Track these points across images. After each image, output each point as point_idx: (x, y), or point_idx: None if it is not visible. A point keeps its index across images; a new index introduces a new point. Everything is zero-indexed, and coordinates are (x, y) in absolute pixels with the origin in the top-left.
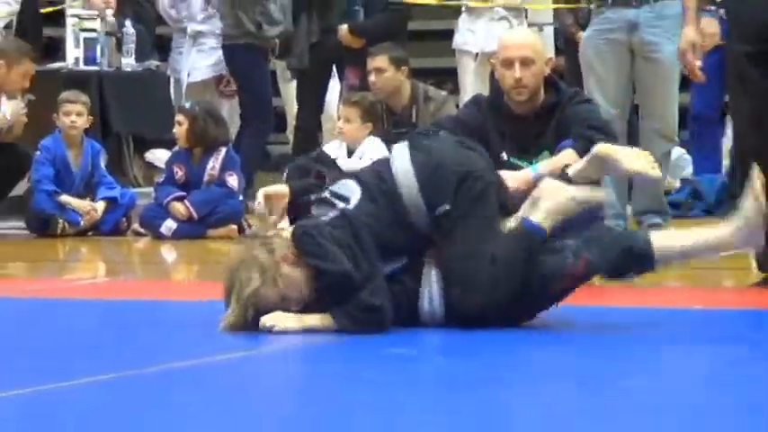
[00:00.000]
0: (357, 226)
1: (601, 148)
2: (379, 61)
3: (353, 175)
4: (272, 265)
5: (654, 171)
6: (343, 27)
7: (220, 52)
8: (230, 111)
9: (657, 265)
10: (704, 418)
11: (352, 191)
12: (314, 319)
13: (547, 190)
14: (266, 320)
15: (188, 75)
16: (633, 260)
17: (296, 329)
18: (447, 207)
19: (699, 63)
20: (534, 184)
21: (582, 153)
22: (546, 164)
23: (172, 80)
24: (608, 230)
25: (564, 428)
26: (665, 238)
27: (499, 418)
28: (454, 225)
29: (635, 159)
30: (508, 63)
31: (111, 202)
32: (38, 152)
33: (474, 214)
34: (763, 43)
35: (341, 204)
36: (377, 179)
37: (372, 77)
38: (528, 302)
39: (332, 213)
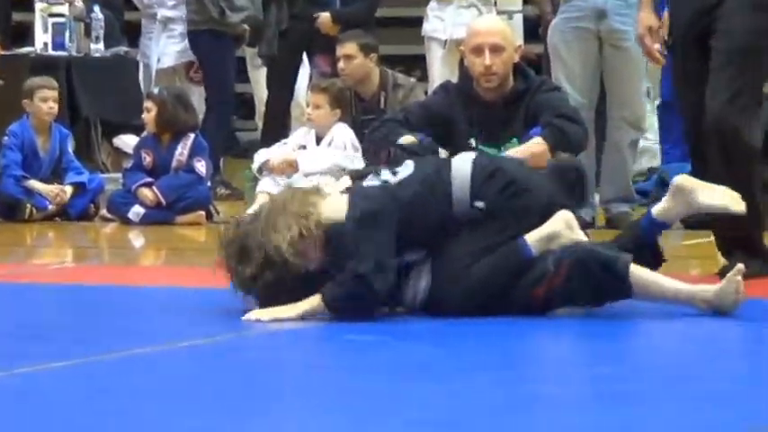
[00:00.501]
0: (388, 201)
1: (680, 180)
2: (348, 48)
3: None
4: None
5: (738, 206)
6: (325, 15)
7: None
8: (200, 98)
9: (632, 290)
10: (667, 407)
11: (406, 166)
12: (305, 304)
13: (562, 218)
14: (260, 315)
15: (158, 61)
16: (610, 277)
17: (291, 317)
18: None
19: (657, 46)
20: None
21: (550, 141)
22: (515, 151)
23: (141, 66)
24: (591, 247)
25: (529, 415)
26: (645, 272)
27: (462, 405)
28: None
29: (717, 194)
30: (478, 50)
31: (79, 187)
32: (5, 137)
33: (503, 224)
34: (692, 29)
35: (387, 176)
36: (434, 166)
37: (341, 64)
38: (504, 305)
39: (373, 182)
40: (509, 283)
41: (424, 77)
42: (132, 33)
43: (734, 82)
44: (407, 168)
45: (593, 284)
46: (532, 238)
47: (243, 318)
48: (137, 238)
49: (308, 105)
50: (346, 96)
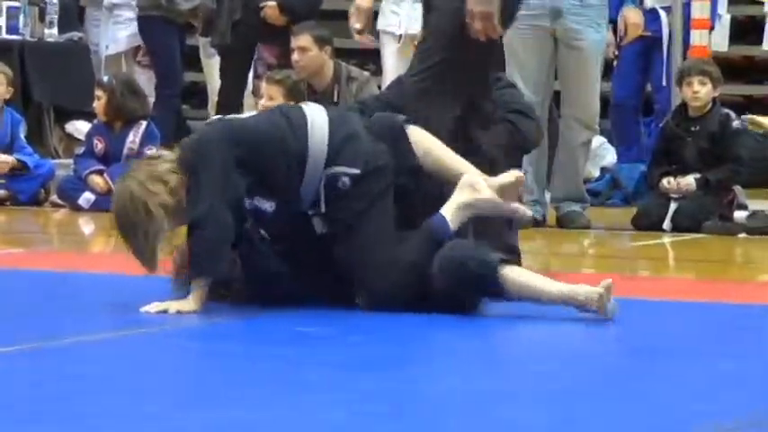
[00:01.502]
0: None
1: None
2: (302, 40)
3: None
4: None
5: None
6: (271, 3)
7: (136, 23)
8: (147, 82)
9: (504, 291)
10: (607, 405)
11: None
12: (196, 288)
13: (466, 183)
14: (160, 307)
15: (106, 47)
16: (481, 278)
17: (185, 313)
18: (346, 180)
19: None
20: None
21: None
22: None
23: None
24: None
25: (470, 409)
26: (519, 273)
27: (406, 398)
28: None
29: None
30: None
31: (23, 166)
32: None
33: (371, 213)
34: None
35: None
36: (286, 115)
37: (296, 56)
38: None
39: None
40: (426, 270)
41: (377, 72)
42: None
43: None
44: (251, 114)
45: (464, 284)
46: (448, 212)
47: (141, 309)
48: (87, 225)
49: (260, 96)
50: (300, 89)
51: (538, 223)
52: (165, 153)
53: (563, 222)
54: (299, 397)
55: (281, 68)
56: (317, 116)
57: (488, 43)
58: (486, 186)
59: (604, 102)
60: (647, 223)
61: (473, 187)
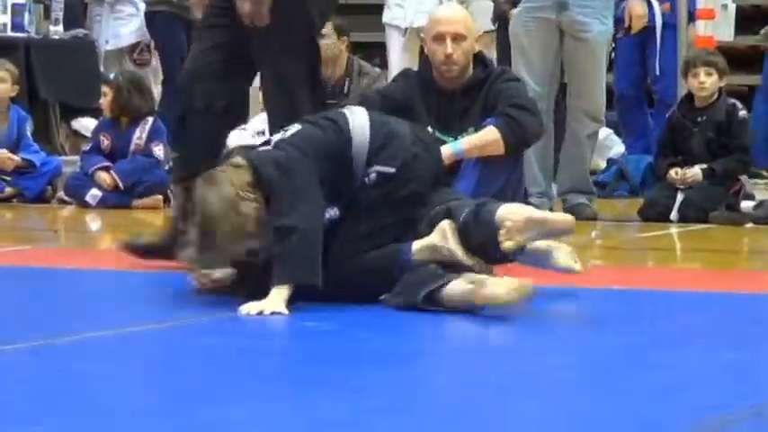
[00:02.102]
0: (289, 150)
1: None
2: None
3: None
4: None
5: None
6: None
7: (137, 19)
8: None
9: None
10: (612, 397)
11: (293, 125)
12: (282, 292)
13: (441, 228)
14: (250, 309)
15: (106, 42)
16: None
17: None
18: (373, 176)
19: None
20: (455, 158)
21: (503, 130)
22: (468, 140)
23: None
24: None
25: (472, 404)
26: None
27: (415, 392)
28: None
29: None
30: (439, 38)
31: (29, 164)
32: None
33: (379, 210)
34: None
35: (276, 137)
36: (328, 119)
37: None
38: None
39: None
40: (375, 285)
41: (383, 65)
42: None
43: None
44: (295, 126)
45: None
46: (416, 246)
47: (240, 308)
48: (94, 222)
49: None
50: None
51: None
52: (243, 163)
53: (569, 214)
54: (303, 392)
55: None
56: (357, 118)
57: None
58: (453, 237)
59: (611, 93)
60: (654, 214)
61: (443, 235)
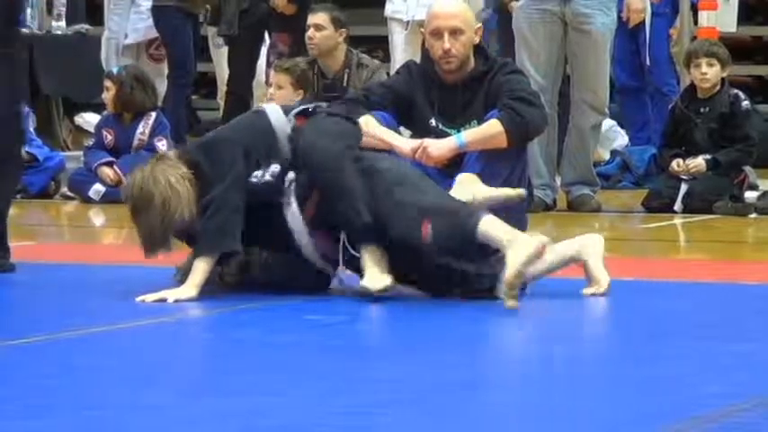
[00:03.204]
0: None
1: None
2: (319, 18)
3: None
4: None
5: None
6: None
7: None
8: (157, 75)
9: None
10: (620, 388)
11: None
12: (194, 275)
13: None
14: (157, 297)
15: (125, 36)
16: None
17: (183, 301)
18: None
19: None
20: (457, 152)
21: (506, 123)
22: (471, 132)
23: (106, 43)
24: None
25: (476, 396)
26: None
27: (411, 386)
28: None
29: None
30: (437, 33)
31: (33, 158)
32: None
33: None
34: None
35: None
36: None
37: (310, 33)
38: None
39: None
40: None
41: (386, 58)
42: (94, 12)
43: None
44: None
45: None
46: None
47: (138, 299)
48: (97, 217)
49: (269, 85)
50: (309, 77)
51: (548, 207)
52: (172, 152)
53: (574, 206)
54: (310, 385)
55: (292, 57)
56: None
57: None
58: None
59: (614, 85)
60: (658, 205)
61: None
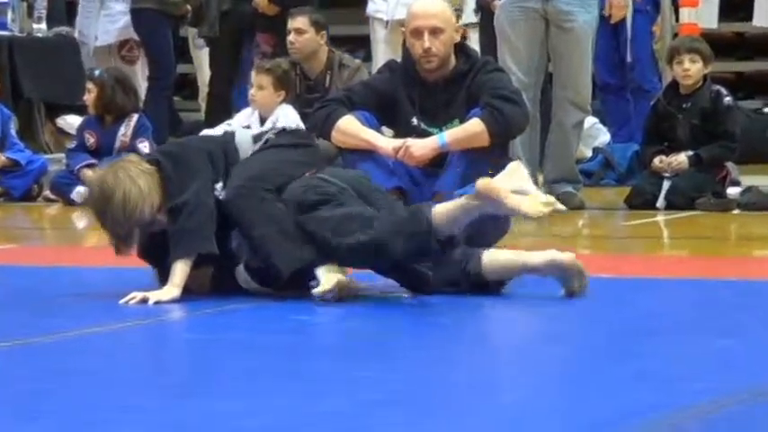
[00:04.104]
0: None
1: (481, 183)
2: (299, 22)
3: None
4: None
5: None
6: None
7: (127, 17)
8: (131, 76)
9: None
10: (607, 385)
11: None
12: (175, 278)
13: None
14: (139, 298)
15: (95, 38)
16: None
17: (166, 302)
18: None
19: None
20: (439, 151)
21: (488, 122)
22: (452, 132)
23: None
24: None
25: (469, 396)
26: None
27: (402, 386)
28: None
29: (523, 201)
30: (417, 33)
31: (15, 163)
32: None
33: None
34: None
35: None
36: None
37: (291, 38)
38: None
39: None
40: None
41: (368, 57)
42: (74, 13)
43: None
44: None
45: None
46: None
47: (121, 301)
48: (80, 219)
49: (251, 86)
50: (291, 77)
51: None
52: (133, 156)
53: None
54: (298, 386)
55: (276, 57)
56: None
57: None
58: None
59: (595, 83)
60: (641, 202)
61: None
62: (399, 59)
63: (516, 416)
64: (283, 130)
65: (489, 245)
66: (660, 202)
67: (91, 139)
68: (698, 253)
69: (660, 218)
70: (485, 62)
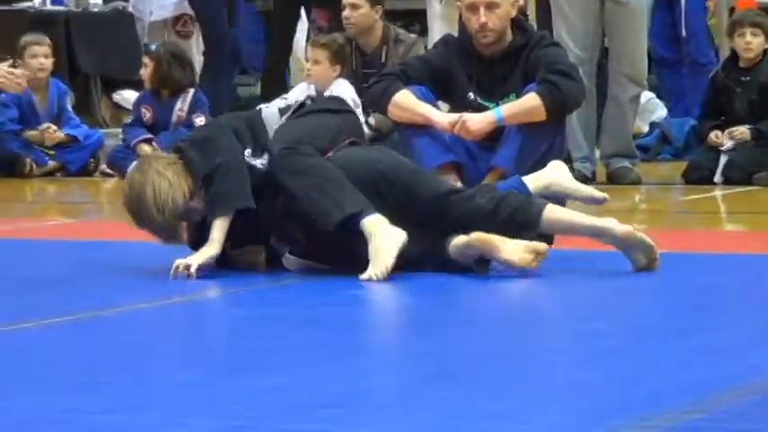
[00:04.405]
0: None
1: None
2: None
3: None
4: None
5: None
6: None
7: None
8: (187, 51)
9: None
10: (660, 362)
11: None
12: (215, 233)
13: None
14: (183, 264)
15: (150, 13)
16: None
17: (207, 260)
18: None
19: None
20: (496, 125)
21: (545, 97)
22: (509, 106)
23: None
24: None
25: (518, 369)
26: (559, 212)
27: (451, 360)
28: None
29: (514, 251)
30: (473, 7)
31: (73, 139)
32: (2, 95)
33: None
34: None
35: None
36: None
37: (346, 12)
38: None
39: None
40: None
41: (423, 32)
42: None
43: None
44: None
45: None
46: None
47: (170, 276)
48: None
49: (307, 60)
50: (346, 52)
51: (588, 180)
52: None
53: (613, 178)
54: (344, 360)
55: (331, 32)
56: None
57: None
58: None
59: (652, 57)
60: (698, 177)
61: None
62: (456, 34)
63: (574, 389)
64: (319, 97)
65: None
66: (717, 177)
67: (147, 114)
68: (756, 228)
69: (717, 193)
70: (541, 37)
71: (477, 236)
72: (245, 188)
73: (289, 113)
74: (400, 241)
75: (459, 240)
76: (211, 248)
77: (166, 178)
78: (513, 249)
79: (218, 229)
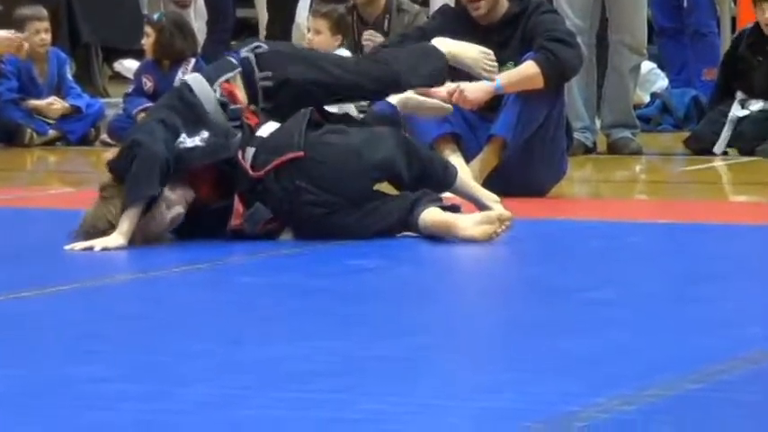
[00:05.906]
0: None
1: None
2: None
3: None
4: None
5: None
6: None
7: None
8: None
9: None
10: (659, 332)
11: None
12: (123, 223)
13: None
14: (84, 245)
15: None
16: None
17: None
18: None
19: None
20: (494, 94)
21: (543, 64)
22: (507, 74)
23: None
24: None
25: (521, 340)
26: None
27: (455, 330)
28: None
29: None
30: None
31: (76, 109)
32: (1, 64)
33: None
34: None
35: None
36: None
37: None
38: None
39: None
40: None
41: (426, 2)
42: None
43: None
44: None
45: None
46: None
47: (65, 247)
48: None
49: (308, 31)
50: (347, 22)
51: (588, 150)
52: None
53: (614, 148)
54: (351, 330)
55: (329, 2)
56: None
57: None
58: None
59: (652, 27)
60: (700, 147)
61: None
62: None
63: (576, 358)
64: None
65: (544, 191)
66: (717, 148)
67: (148, 84)
68: (757, 198)
69: (719, 163)
70: (538, 4)
71: (432, 220)
72: (150, 174)
73: (222, 78)
74: None
75: (421, 221)
76: (118, 240)
77: (94, 216)
78: (470, 225)
79: (127, 221)
